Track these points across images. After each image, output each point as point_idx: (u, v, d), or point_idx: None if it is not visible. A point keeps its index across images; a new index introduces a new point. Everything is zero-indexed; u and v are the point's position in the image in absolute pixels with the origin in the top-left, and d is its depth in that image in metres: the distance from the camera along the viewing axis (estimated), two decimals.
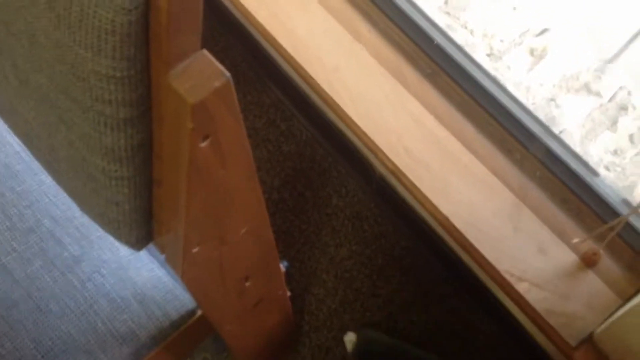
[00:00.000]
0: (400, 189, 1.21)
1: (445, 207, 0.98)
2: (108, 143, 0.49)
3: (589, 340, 0.91)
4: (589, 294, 0.94)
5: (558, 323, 0.92)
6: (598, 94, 1.16)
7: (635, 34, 0.80)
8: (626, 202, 0.98)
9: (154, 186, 0.56)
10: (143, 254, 0.88)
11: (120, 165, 0.51)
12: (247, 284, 0.78)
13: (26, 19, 0.46)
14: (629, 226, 0.95)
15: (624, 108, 1.16)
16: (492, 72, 1.07)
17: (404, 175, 1.00)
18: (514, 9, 1.23)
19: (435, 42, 1.06)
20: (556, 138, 1.02)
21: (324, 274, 1.25)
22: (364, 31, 1.10)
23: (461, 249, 1.00)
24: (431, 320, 1.22)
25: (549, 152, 1.00)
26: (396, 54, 1.08)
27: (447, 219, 0.97)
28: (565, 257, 0.96)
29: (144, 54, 0.43)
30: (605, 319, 0.90)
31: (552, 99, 1.14)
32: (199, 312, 0.88)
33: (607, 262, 0.96)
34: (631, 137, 1.13)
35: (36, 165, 0.90)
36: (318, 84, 1.05)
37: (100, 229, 0.64)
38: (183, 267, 0.65)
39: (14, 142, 0.92)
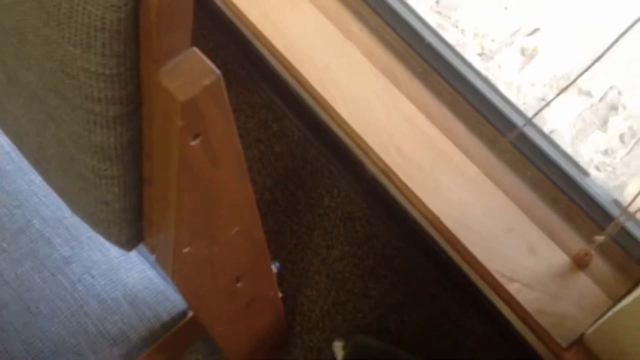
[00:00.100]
0: (391, 188, 1.21)
1: (437, 206, 0.98)
2: (97, 141, 0.48)
3: (579, 341, 0.91)
4: (580, 295, 0.94)
5: (549, 323, 0.92)
6: (589, 94, 1.17)
7: (622, 32, 0.80)
8: (617, 202, 0.98)
9: (144, 185, 0.56)
10: (134, 254, 0.88)
11: (109, 164, 0.51)
12: (239, 284, 0.78)
13: (15, 16, 0.46)
14: (620, 228, 0.95)
15: (614, 108, 1.16)
16: (483, 71, 1.07)
17: (395, 174, 1.00)
18: (505, 8, 1.23)
19: (426, 41, 1.06)
20: (547, 138, 1.02)
21: (316, 274, 1.25)
22: (356, 30, 1.10)
23: (452, 248, 1.00)
24: (423, 321, 1.22)
25: (540, 152, 1.01)
26: (387, 53, 1.08)
27: (438, 218, 0.97)
28: (556, 257, 0.96)
29: (133, 51, 0.43)
30: (596, 320, 0.91)
31: (543, 99, 1.14)
32: (190, 314, 0.87)
33: (598, 263, 0.96)
34: (622, 137, 1.13)
35: (26, 165, 0.89)
36: (309, 83, 1.04)
37: (90, 230, 0.64)
38: (173, 267, 0.64)
39: (4, 142, 0.92)
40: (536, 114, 0.91)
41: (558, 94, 0.85)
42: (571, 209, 1.00)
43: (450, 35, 1.15)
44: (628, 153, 1.12)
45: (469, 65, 1.05)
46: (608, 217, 0.96)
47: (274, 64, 1.29)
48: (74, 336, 0.81)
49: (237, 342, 0.98)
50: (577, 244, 0.97)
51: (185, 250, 0.62)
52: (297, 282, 1.25)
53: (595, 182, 1.00)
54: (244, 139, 1.34)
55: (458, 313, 1.22)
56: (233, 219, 0.65)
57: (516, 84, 1.15)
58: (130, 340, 0.82)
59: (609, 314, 0.88)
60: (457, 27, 1.19)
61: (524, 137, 1.01)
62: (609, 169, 1.09)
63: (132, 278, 0.86)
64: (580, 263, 0.95)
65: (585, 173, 1.00)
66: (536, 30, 1.21)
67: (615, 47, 1.17)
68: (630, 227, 0.95)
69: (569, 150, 1.02)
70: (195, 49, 0.45)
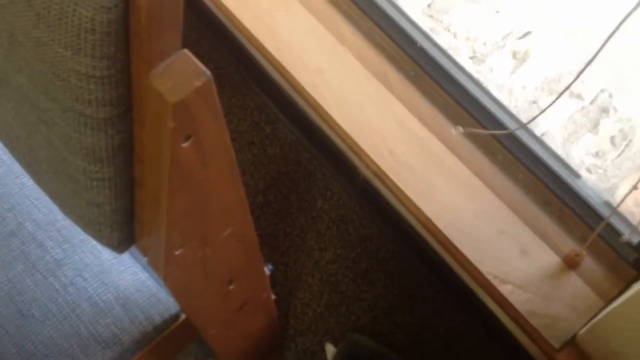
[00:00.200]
0: (384, 191, 1.21)
1: (429, 208, 0.98)
2: (88, 143, 0.48)
3: (571, 342, 0.92)
4: (571, 296, 0.94)
5: (541, 325, 0.92)
6: (580, 97, 1.17)
7: (610, 34, 0.81)
8: (608, 204, 0.99)
9: (136, 187, 0.56)
10: (126, 257, 0.88)
11: (100, 166, 0.51)
12: (231, 287, 0.78)
13: (5, 18, 0.46)
14: (610, 228, 0.96)
15: (605, 110, 1.17)
16: (475, 74, 1.07)
17: (388, 177, 1.00)
18: (497, 12, 1.24)
19: (418, 44, 1.06)
20: (538, 140, 1.02)
21: (309, 277, 1.25)
22: (348, 34, 1.10)
23: (445, 251, 1.00)
24: (416, 323, 1.22)
25: (532, 155, 1.01)
26: (380, 56, 1.09)
27: (430, 220, 0.97)
28: (548, 258, 0.97)
29: (124, 53, 0.43)
30: (588, 321, 0.91)
31: (534, 102, 1.15)
32: (183, 316, 0.87)
33: (589, 263, 0.96)
34: (612, 140, 1.14)
35: (17, 168, 0.89)
36: (302, 86, 1.05)
37: (82, 232, 0.64)
38: (165, 269, 0.64)
39: None
40: (530, 121, 0.91)
41: (554, 101, 0.86)
42: (563, 211, 1.00)
43: (442, 39, 1.15)
44: (619, 155, 1.12)
45: (461, 69, 1.06)
46: (599, 218, 0.97)
47: (266, 67, 1.29)
48: (66, 339, 0.81)
49: (230, 345, 0.98)
50: (569, 245, 0.97)
51: (177, 252, 0.62)
52: (290, 284, 1.25)
53: (586, 184, 1.00)
54: (236, 142, 1.34)
55: (451, 315, 1.22)
56: (225, 221, 0.65)
57: (508, 87, 1.15)
58: (123, 343, 0.82)
59: (601, 314, 0.88)
60: (449, 30, 1.19)
61: (515, 140, 1.02)
62: (600, 171, 1.10)
63: (125, 281, 0.85)
64: (571, 263, 0.95)
65: (577, 175, 1.01)
66: (528, 33, 1.22)
67: (606, 50, 1.17)
68: (620, 227, 0.96)
69: (560, 152, 1.02)
70: (186, 51, 0.45)
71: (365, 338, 1.17)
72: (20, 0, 0.43)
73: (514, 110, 1.01)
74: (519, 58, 1.19)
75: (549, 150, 1.02)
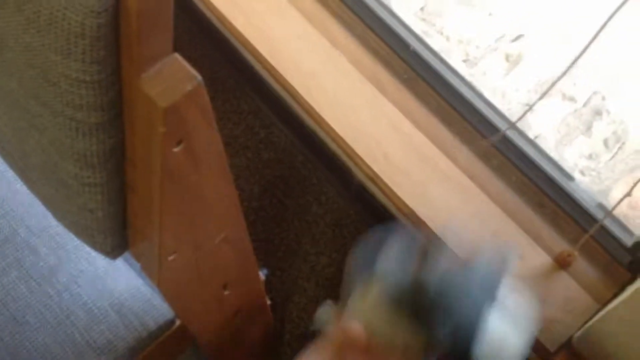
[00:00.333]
0: (379, 195, 1.21)
1: (423, 212, 0.98)
2: (80, 148, 0.48)
3: (567, 345, 0.91)
4: (566, 298, 0.94)
5: (537, 328, 0.92)
6: (572, 99, 1.17)
7: (594, 34, 0.81)
8: (601, 206, 0.99)
9: (128, 193, 0.56)
10: (120, 263, 0.88)
11: (92, 171, 0.51)
12: (226, 292, 0.78)
13: None
14: (604, 230, 0.96)
15: (598, 113, 1.17)
16: (468, 77, 1.07)
17: (382, 181, 1.00)
18: (490, 14, 1.24)
19: (411, 48, 1.06)
20: (532, 143, 1.03)
21: (305, 282, 1.25)
22: (341, 37, 1.10)
23: None
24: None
25: (525, 157, 1.01)
26: (373, 59, 1.09)
27: (425, 224, 0.97)
28: (542, 261, 0.97)
29: (114, 57, 0.43)
30: (584, 324, 0.91)
31: (527, 104, 1.15)
32: (178, 322, 0.87)
33: (582, 265, 0.96)
34: (606, 142, 1.14)
35: (11, 175, 0.89)
36: (295, 90, 1.05)
37: (76, 239, 0.64)
38: (159, 275, 0.64)
39: None
40: (520, 118, 0.91)
41: (540, 98, 0.86)
42: (556, 213, 1.00)
43: (435, 42, 1.15)
44: (612, 157, 1.13)
45: (454, 72, 1.06)
46: (593, 221, 0.97)
47: (260, 71, 1.29)
48: (60, 346, 0.81)
49: (226, 351, 0.97)
50: (563, 248, 0.97)
51: (171, 258, 0.62)
52: (285, 289, 1.24)
53: (580, 186, 1.00)
54: (231, 146, 1.34)
55: None
56: (218, 225, 0.65)
57: (501, 89, 1.15)
58: (118, 350, 0.82)
59: (596, 317, 0.88)
60: (441, 33, 1.20)
61: (509, 142, 1.02)
62: (594, 173, 1.10)
63: (119, 287, 0.85)
64: (562, 263, 0.95)
65: (570, 177, 1.01)
66: (520, 36, 1.22)
67: (599, 52, 1.17)
68: (614, 229, 0.96)
69: (553, 154, 1.02)
70: (177, 55, 0.45)
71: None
72: (10, 4, 0.43)
73: (507, 113, 1.02)
74: (512, 61, 1.19)
75: (542, 152, 1.02)
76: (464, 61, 1.18)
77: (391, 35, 1.08)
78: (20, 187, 0.89)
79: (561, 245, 0.98)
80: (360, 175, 1.22)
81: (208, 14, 1.23)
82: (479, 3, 1.25)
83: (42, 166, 0.55)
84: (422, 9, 1.22)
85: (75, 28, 0.40)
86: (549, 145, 1.11)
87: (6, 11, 0.44)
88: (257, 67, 1.23)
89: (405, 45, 1.07)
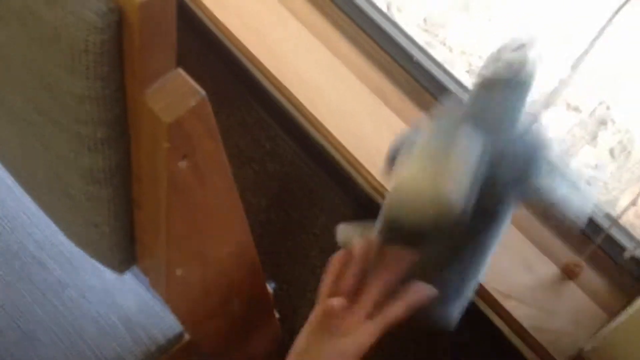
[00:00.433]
0: None
1: None
2: (86, 164, 0.49)
3: (577, 358, 0.91)
4: (575, 310, 0.94)
5: (546, 340, 0.92)
6: (577, 109, 1.17)
7: (593, 39, 0.81)
8: (608, 217, 0.98)
9: (135, 208, 0.56)
10: (129, 277, 0.88)
11: (99, 186, 0.51)
12: (234, 305, 0.78)
13: (0, 40, 0.46)
14: (612, 240, 0.95)
15: (603, 123, 1.16)
16: (472, 88, 1.07)
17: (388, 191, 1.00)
18: (492, 25, 1.24)
19: (414, 59, 1.07)
20: None
21: (313, 294, 1.25)
22: (344, 49, 1.11)
23: None
24: (418, 338, 1.21)
25: None
26: (376, 71, 1.09)
27: None
28: (550, 272, 0.97)
29: (118, 73, 0.43)
30: (593, 335, 0.90)
31: (532, 114, 1.15)
32: (187, 336, 0.87)
33: (590, 275, 0.96)
34: (611, 152, 1.14)
35: (19, 190, 0.90)
36: (300, 102, 1.05)
37: (84, 253, 0.64)
38: (167, 289, 0.64)
39: None
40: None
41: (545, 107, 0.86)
42: (563, 225, 1.00)
43: (438, 53, 1.15)
44: (618, 167, 1.12)
45: (457, 82, 1.06)
46: (600, 231, 0.96)
47: (265, 83, 1.29)
48: None
49: None
50: (570, 259, 0.97)
51: (178, 272, 0.62)
52: (294, 302, 1.24)
53: None
54: (236, 159, 1.35)
55: (456, 331, 1.21)
56: (225, 239, 0.65)
57: None
58: None
59: (606, 329, 0.87)
60: (444, 44, 1.20)
61: None
62: (600, 183, 1.09)
63: (128, 301, 0.85)
64: (570, 274, 0.95)
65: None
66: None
67: (603, 61, 1.17)
68: (623, 240, 0.96)
69: (559, 164, 1.02)
70: (180, 70, 0.45)
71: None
72: (14, 22, 0.43)
73: None
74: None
75: None
76: (467, 72, 1.18)
77: (394, 46, 1.09)
78: (28, 201, 0.89)
79: (569, 256, 0.97)
80: (366, 186, 1.22)
81: (212, 27, 1.24)
82: (481, 14, 1.25)
83: (48, 182, 0.56)
84: (424, 20, 1.22)
85: (79, 44, 0.40)
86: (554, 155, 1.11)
87: (11, 28, 0.44)
88: (262, 79, 1.24)
89: (408, 56, 1.08)
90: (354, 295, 0.68)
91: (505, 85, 0.68)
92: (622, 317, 0.86)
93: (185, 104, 0.44)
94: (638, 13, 0.89)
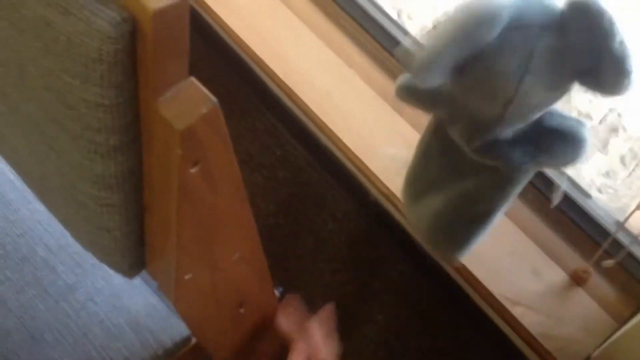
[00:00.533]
0: (395, 213, 1.21)
1: None
2: (98, 170, 0.49)
3: None
4: (583, 317, 0.94)
5: (555, 348, 0.92)
6: (588, 116, 1.17)
7: None
8: (619, 224, 0.98)
9: (145, 213, 0.56)
10: (137, 281, 0.88)
11: (110, 193, 0.51)
12: (242, 310, 0.78)
13: (14, 49, 0.47)
14: (621, 247, 0.95)
15: (614, 130, 1.16)
16: None
17: (398, 199, 1.00)
18: None
19: None
20: None
21: (321, 300, 1.25)
22: (355, 56, 1.11)
23: (456, 272, 1.00)
24: (429, 346, 1.21)
25: (541, 175, 1.01)
26: (387, 78, 1.09)
27: None
28: (559, 279, 0.96)
29: (131, 81, 0.43)
30: (602, 343, 0.90)
31: None
32: (194, 340, 0.87)
33: (599, 282, 0.96)
34: (622, 159, 1.13)
35: (29, 194, 0.90)
36: (310, 109, 1.05)
37: (94, 257, 0.64)
38: (176, 294, 0.65)
39: (7, 171, 0.93)
40: None
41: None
42: (574, 231, 1.00)
43: None
44: (629, 175, 1.12)
45: None
46: (609, 237, 0.96)
47: (275, 90, 1.30)
48: None
49: None
50: (580, 266, 0.97)
51: (187, 277, 0.62)
52: None
53: (597, 204, 1.00)
54: (247, 165, 1.35)
55: (464, 338, 1.21)
56: (234, 244, 0.65)
57: None
58: None
59: (615, 336, 0.87)
60: None
61: None
62: (611, 191, 1.09)
63: (136, 304, 0.86)
64: (578, 281, 0.95)
65: (587, 195, 1.01)
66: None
67: None
68: (633, 247, 0.95)
69: (570, 172, 1.02)
70: (193, 78, 0.45)
71: None
72: (29, 31, 0.44)
73: None
74: None
75: (558, 170, 1.02)
76: None
77: None
78: (38, 206, 0.90)
79: (578, 263, 0.97)
80: (375, 193, 1.22)
81: (223, 34, 1.25)
82: None
83: (60, 187, 0.56)
84: (434, 27, 1.22)
85: (93, 54, 0.41)
86: None
87: (25, 37, 0.45)
88: (272, 86, 1.24)
89: None
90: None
91: None
92: (631, 324, 0.85)
93: (198, 112, 0.45)
94: None
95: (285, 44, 1.12)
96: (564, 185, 0.88)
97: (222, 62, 1.44)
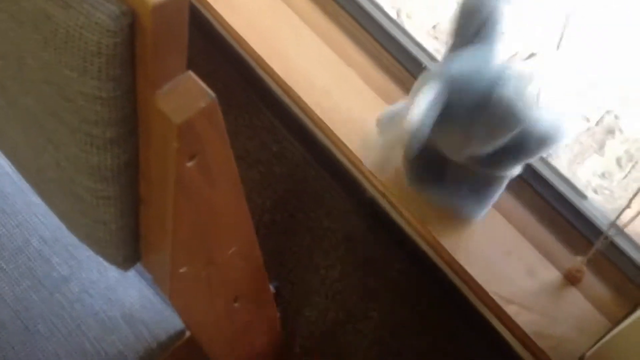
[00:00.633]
0: (391, 210, 1.21)
1: (436, 228, 0.98)
2: (94, 163, 0.49)
3: None
4: (577, 316, 0.94)
5: (548, 347, 0.92)
6: (585, 118, 1.17)
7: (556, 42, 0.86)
8: (611, 222, 0.98)
9: (141, 206, 0.57)
10: (132, 274, 0.88)
11: (106, 185, 0.51)
12: (236, 304, 0.78)
13: (13, 41, 0.47)
14: (615, 247, 0.95)
15: (611, 132, 1.17)
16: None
17: (395, 197, 1.00)
18: (502, 33, 1.24)
19: (424, 66, 1.07)
20: (544, 161, 1.03)
21: (316, 296, 1.25)
22: (354, 55, 1.11)
23: (451, 270, 1.00)
24: (424, 343, 1.21)
25: (538, 175, 1.01)
26: (386, 77, 1.09)
27: (436, 239, 0.97)
28: (553, 277, 0.97)
29: (129, 74, 0.43)
30: (595, 343, 0.90)
31: None
32: (188, 334, 0.87)
33: (592, 281, 0.96)
34: (619, 161, 1.14)
35: (26, 186, 0.90)
36: (308, 107, 1.05)
37: (89, 249, 0.64)
38: (171, 287, 0.65)
39: (4, 163, 0.93)
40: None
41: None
42: (569, 232, 1.00)
43: None
44: (625, 176, 1.12)
45: None
46: (605, 239, 0.96)
47: (273, 87, 1.30)
48: (71, 355, 0.81)
49: None
50: (575, 265, 0.97)
51: (182, 270, 0.62)
52: (296, 303, 1.25)
53: (593, 205, 1.00)
54: (244, 161, 1.35)
55: (459, 336, 1.22)
56: (230, 239, 0.65)
57: None
58: None
59: (608, 336, 0.88)
60: None
61: None
62: (607, 192, 1.09)
63: (130, 297, 0.86)
64: (572, 279, 0.95)
65: (583, 196, 1.01)
66: (532, 55, 1.22)
67: (612, 71, 1.17)
68: (623, 244, 0.96)
69: (566, 173, 1.02)
70: (191, 72, 0.45)
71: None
72: (28, 23, 0.44)
73: None
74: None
75: (554, 171, 1.02)
76: None
77: (404, 53, 1.09)
78: (34, 198, 0.90)
79: (571, 261, 0.97)
80: (371, 190, 1.22)
81: (222, 31, 1.25)
82: None
83: (57, 180, 0.56)
84: (434, 27, 1.22)
85: (91, 47, 0.41)
86: (561, 163, 1.11)
87: (24, 30, 0.45)
88: (271, 83, 1.24)
89: (417, 63, 1.08)
90: None
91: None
92: (625, 324, 0.86)
93: (195, 106, 0.45)
94: None
95: (285, 42, 1.11)
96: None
97: (221, 58, 1.44)
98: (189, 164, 0.49)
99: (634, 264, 0.95)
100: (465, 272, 0.96)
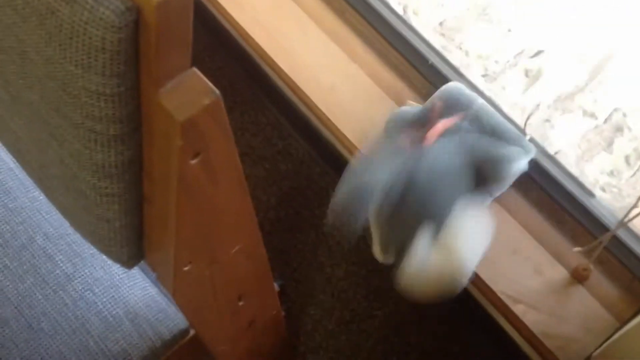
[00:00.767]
0: None
1: None
2: (98, 160, 0.49)
3: None
4: (585, 316, 0.93)
5: (555, 346, 0.91)
6: (593, 115, 1.16)
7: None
8: (619, 221, 0.98)
9: (145, 204, 0.56)
10: (136, 272, 0.88)
11: (110, 182, 0.51)
12: (241, 303, 0.78)
13: (17, 36, 0.46)
14: (617, 241, 0.95)
15: (619, 129, 1.16)
16: (487, 92, 1.07)
17: None
18: (509, 30, 1.24)
19: (430, 62, 1.06)
20: (552, 159, 1.02)
21: (321, 294, 1.25)
22: (360, 51, 1.10)
23: None
24: (429, 342, 1.21)
25: (545, 173, 1.00)
26: (392, 74, 1.09)
27: None
28: (560, 276, 0.96)
29: (133, 71, 0.43)
30: (602, 342, 0.90)
31: (548, 120, 1.14)
32: (192, 332, 0.87)
33: (600, 280, 0.95)
34: (627, 158, 1.13)
35: (29, 182, 0.90)
36: (314, 104, 1.05)
37: (92, 247, 0.64)
38: (174, 285, 0.65)
39: (8, 159, 0.92)
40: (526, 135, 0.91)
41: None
42: (577, 230, 0.99)
43: (454, 57, 1.15)
44: (634, 174, 1.11)
45: (473, 86, 1.05)
46: (614, 237, 0.96)
47: (279, 84, 1.29)
48: (75, 353, 0.81)
49: None
50: (582, 263, 0.96)
51: (186, 268, 0.62)
52: (301, 301, 1.24)
53: (601, 203, 0.99)
54: (248, 157, 1.35)
55: (465, 335, 1.21)
56: (234, 237, 0.65)
57: (520, 105, 1.15)
58: (132, 359, 0.82)
59: (616, 335, 0.87)
60: (460, 48, 1.19)
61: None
62: (615, 190, 1.09)
63: (134, 295, 0.86)
64: (579, 278, 0.95)
65: (591, 194, 1.00)
66: (540, 52, 1.21)
67: (620, 69, 1.16)
68: (631, 242, 0.95)
69: (574, 171, 1.01)
70: (195, 69, 0.45)
71: None
72: (32, 18, 0.43)
73: (527, 129, 1.01)
74: (532, 76, 1.19)
75: (562, 168, 1.01)
76: (483, 76, 1.18)
77: (410, 49, 1.08)
78: (38, 194, 0.90)
79: (581, 262, 0.97)
80: None
81: (228, 27, 1.24)
82: (498, 19, 1.25)
83: (60, 176, 0.56)
84: (441, 24, 1.21)
85: (96, 42, 0.40)
86: (569, 161, 1.10)
87: (29, 25, 0.44)
88: (276, 80, 1.24)
89: (424, 59, 1.07)
90: None
91: None
92: (633, 323, 0.85)
93: (199, 103, 0.44)
94: None
95: (291, 38, 1.11)
96: None
97: (226, 54, 1.44)
98: (193, 162, 0.48)
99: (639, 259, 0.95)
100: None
